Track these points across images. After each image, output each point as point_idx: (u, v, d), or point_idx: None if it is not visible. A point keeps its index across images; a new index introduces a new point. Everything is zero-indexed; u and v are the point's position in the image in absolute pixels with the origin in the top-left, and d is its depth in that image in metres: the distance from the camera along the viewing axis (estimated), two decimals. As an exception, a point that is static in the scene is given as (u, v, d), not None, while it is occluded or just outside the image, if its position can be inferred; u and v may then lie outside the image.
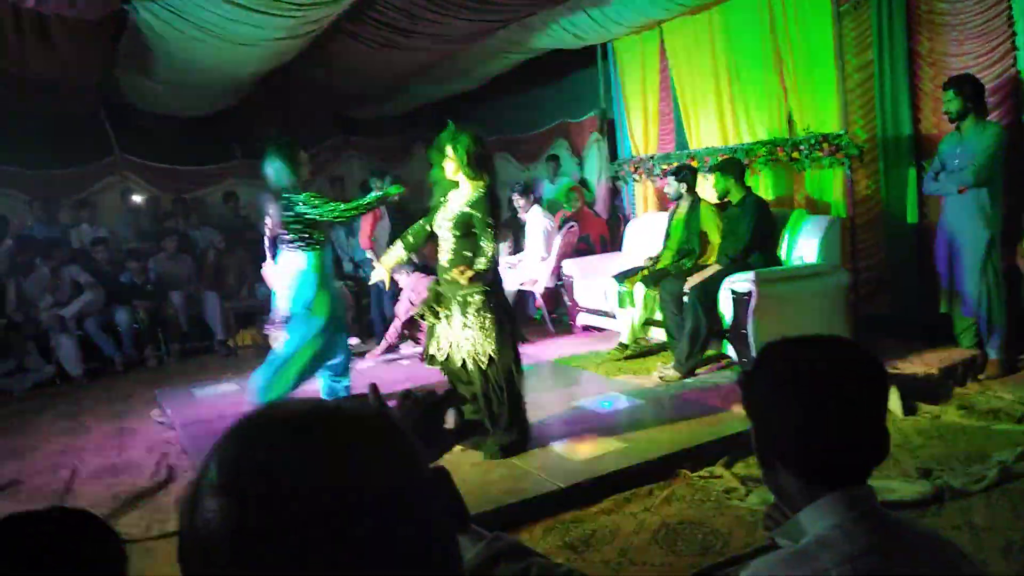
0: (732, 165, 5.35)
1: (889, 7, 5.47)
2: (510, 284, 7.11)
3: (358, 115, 10.40)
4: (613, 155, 7.95)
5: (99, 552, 1.16)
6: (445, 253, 3.92)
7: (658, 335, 5.66)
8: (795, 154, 5.51)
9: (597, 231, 7.68)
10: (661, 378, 5.04)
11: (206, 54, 6.14)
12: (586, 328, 6.76)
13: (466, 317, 3.85)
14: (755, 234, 5.10)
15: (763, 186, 5.92)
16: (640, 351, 5.73)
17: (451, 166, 3.91)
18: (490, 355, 3.82)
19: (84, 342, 7.12)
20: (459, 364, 3.93)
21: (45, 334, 7.01)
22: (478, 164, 3.87)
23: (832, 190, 5.54)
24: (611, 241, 7.62)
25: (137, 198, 9.17)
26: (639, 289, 5.60)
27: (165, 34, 5.74)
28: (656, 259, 5.91)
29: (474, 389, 3.94)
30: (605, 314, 6.33)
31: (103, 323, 7.23)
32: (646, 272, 5.72)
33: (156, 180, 9.26)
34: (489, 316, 3.83)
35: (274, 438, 0.63)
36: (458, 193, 3.94)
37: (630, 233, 6.95)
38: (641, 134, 7.33)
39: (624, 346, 5.74)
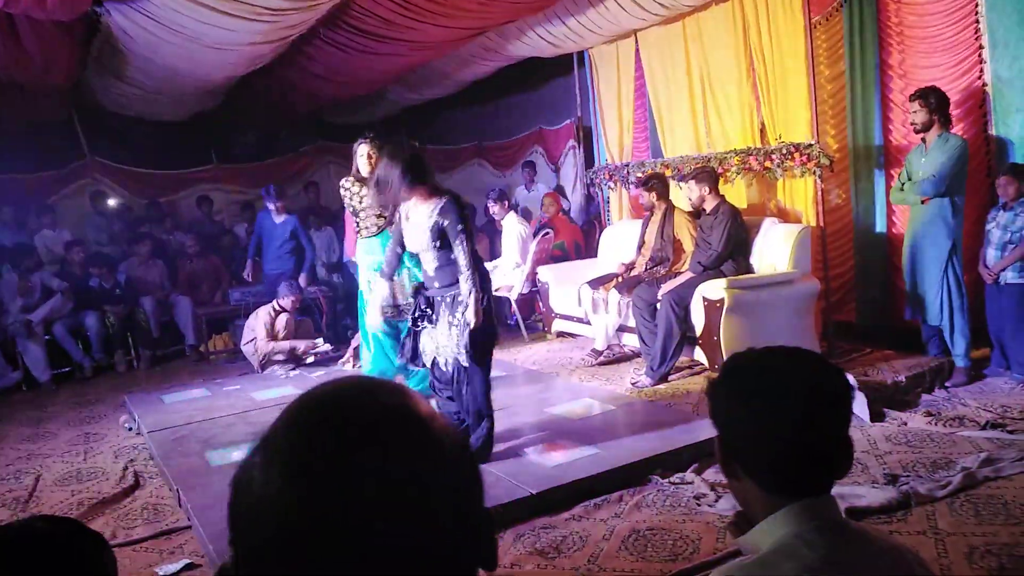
0: (706, 174, 5.39)
1: (860, 19, 5.56)
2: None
3: (335, 120, 10.36)
4: (589, 163, 7.99)
5: (93, 559, 1.17)
6: (429, 264, 3.89)
7: (631, 342, 5.68)
8: (767, 163, 5.57)
9: (572, 238, 7.71)
10: (634, 384, 5.06)
11: (179, 57, 6.09)
12: (560, 334, 6.77)
13: (453, 316, 3.83)
14: (728, 242, 5.15)
15: (736, 194, 5.98)
16: (613, 357, 5.75)
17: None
18: (471, 352, 3.78)
19: (52, 347, 7.02)
20: (443, 365, 3.92)
21: (12, 339, 6.90)
22: (429, 177, 3.90)
23: (804, 199, 5.59)
24: (586, 248, 7.65)
25: (110, 202, 9.06)
26: (613, 296, 5.62)
27: (137, 37, 5.68)
28: (630, 266, 5.94)
29: (449, 386, 3.95)
30: (579, 320, 6.35)
31: (72, 328, 7.12)
32: (620, 279, 5.75)
33: (129, 184, 9.17)
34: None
35: (350, 425, 0.63)
36: (419, 208, 3.87)
37: (605, 240, 6.98)
38: (616, 142, 7.37)
39: (598, 352, 5.75)
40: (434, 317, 3.93)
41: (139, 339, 7.40)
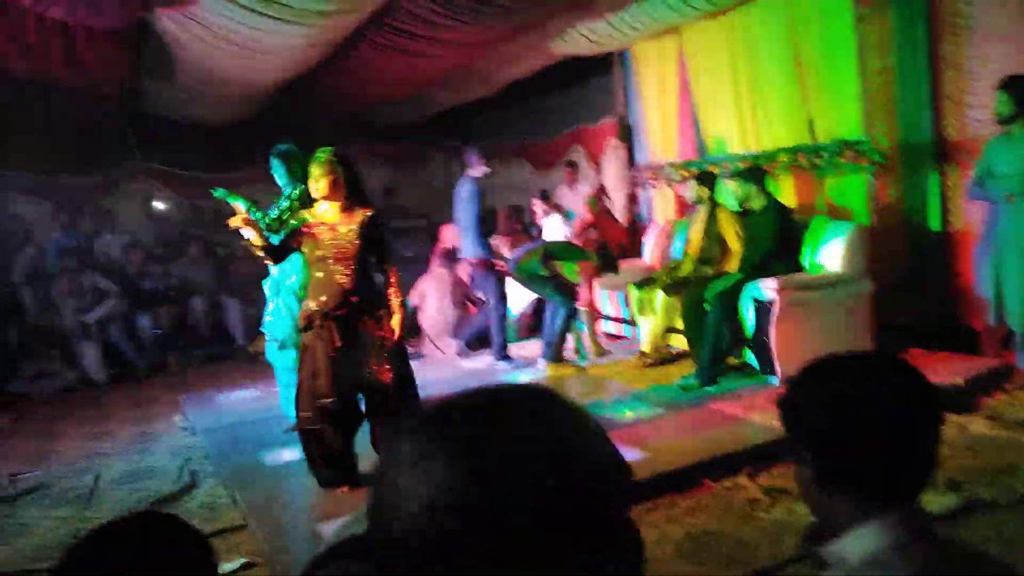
0: (753, 172, 5.32)
1: (910, 10, 5.42)
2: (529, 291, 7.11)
3: (376, 121, 10.44)
4: (631, 161, 7.94)
5: (199, 553, 1.21)
6: (344, 277, 3.75)
7: (679, 343, 5.63)
8: (816, 160, 5.48)
9: (616, 238, 7.65)
10: (682, 387, 5.01)
11: (227, 62, 6.18)
12: (606, 336, 6.74)
13: (371, 337, 3.78)
14: (777, 241, 5.07)
15: (784, 192, 5.89)
16: (661, 359, 5.70)
17: (336, 187, 3.78)
18: (398, 368, 3.83)
19: (107, 348, 7.20)
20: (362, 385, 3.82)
21: (68, 340, 7.10)
22: (362, 190, 3.91)
23: (854, 197, 5.49)
24: (630, 248, 7.59)
25: (159, 205, 9.25)
26: (660, 297, 5.58)
27: (188, 43, 5.79)
28: (675, 266, 5.88)
29: (384, 410, 3.85)
30: (625, 322, 6.31)
31: (126, 329, 7.30)
32: (666, 279, 5.70)
33: (178, 187, 9.34)
34: (390, 331, 3.84)
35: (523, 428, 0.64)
36: (340, 216, 3.80)
37: (649, 240, 6.93)
38: (659, 140, 7.31)
39: (645, 354, 5.71)
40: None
41: (191, 340, 7.54)
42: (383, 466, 0.66)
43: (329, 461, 3.76)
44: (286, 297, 4.63)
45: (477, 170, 6.02)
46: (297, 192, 4.56)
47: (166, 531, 1.20)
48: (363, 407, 3.88)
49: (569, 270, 5.89)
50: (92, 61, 6.11)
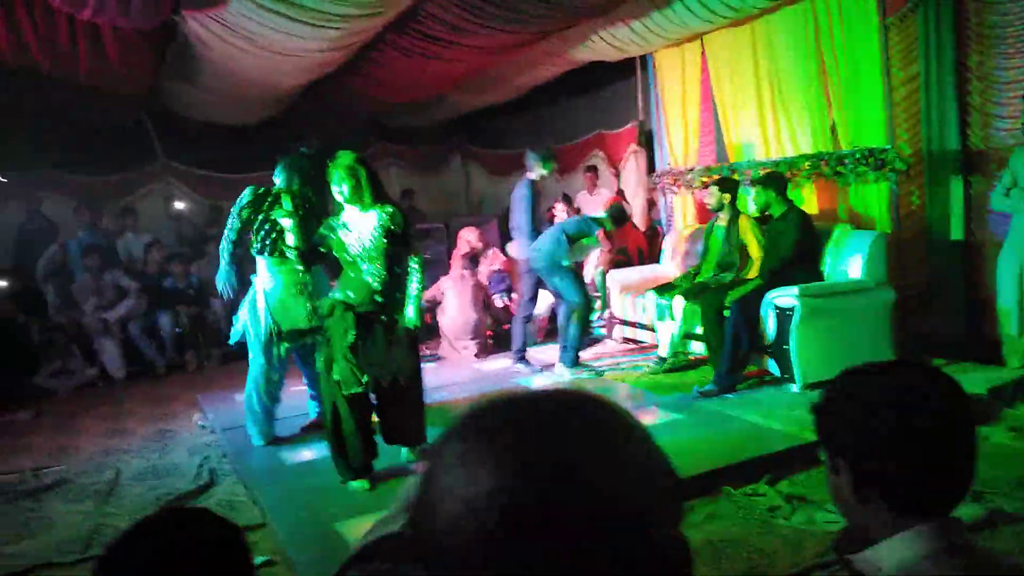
0: (773, 179, 5.30)
1: (937, 19, 5.39)
2: (547, 295, 7.11)
3: (396, 123, 10.49)
4: (651, 167, 7.93)
5: (236, 547, 1.24)
6: (372, 276, 3.87)
7: (698, 349, 5.61)
8: (839, 168, 5.45)
9: (635, 243, 7.66)
10: (701, 393, 4.99)
11: (251, 64, 6.23)
12: (625, 340, 6.73)
13: (393, 333, 3.91)
14: (797, 248, 5.05)
15: (806, 199, 5.87)
16: (679, 365, 5.68)
17: (357, 192, 3.87)
18: (414, 366, 4.01)
19: (126, 345, 7.26)
20: (385, 383, 3.92)
21: (89, 337, 7.16)
22: (383, 190, 4.02)
23: (877, 205, 5.46)
24: (649, 253, 7.58)
25: (179, 204, 9.32)
26: (679, 302, 5.56)
27: (212, 44, 5.84)
28: (695, 272, 5.87)
29: (396, 403, 4.00)
30: (644, 327, 6.30)
31: (146, 327, 7.36)
32: (686, 285, 5.68)
33: (200, 187, 9.41)
34: (412, 331, 3.99)
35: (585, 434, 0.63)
36: (362, 217, 3.90)
37: (668, 245, 6.91)
38: (681, 146, 7.30)
39: (663, 360, 5.70)
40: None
41: (209, 339, 7.59)
42: (429, 463, 0.66)
43: (348, 450, 3.82)
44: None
45: (534, 172, 6.03)
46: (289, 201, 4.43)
47: (204, 526, 1.21)
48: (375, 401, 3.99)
49: (591, 242, 5.90)
50: (119, 62, 6.18)
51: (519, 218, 5.99)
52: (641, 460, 0.65)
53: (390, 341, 3.90)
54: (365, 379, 3.81)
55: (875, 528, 1.11)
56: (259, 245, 4.59)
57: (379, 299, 3.86)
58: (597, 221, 5.91)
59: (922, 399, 1.10)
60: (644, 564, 0.60)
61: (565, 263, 5.72)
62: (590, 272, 7.18)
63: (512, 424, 0.64)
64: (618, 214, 6.00)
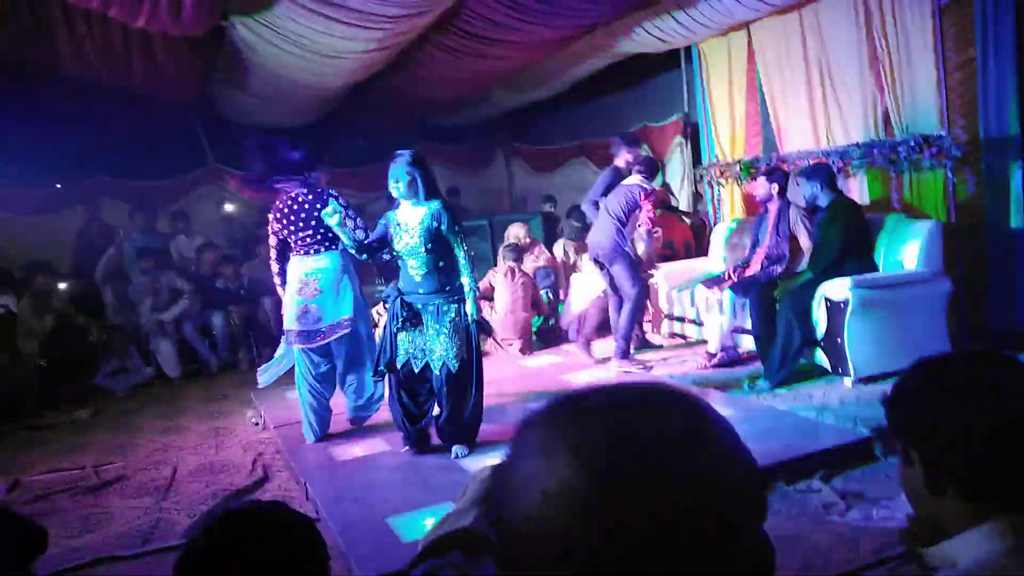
0: (818, 169, 5.18)
1: (995, 2, 5.22)
2: (593, 290, 7.08)
3: (440, 122, 10.55)
4: (696, 159, 7.84)
5: (315, 536, 1.28)
6: (416, 270, 4.11)
7: (747, 344, 5.53)
8: (893, 156, 5.32)
9: (681, 236, 7.57)
10: (751, 388, 4.92)
11: (298, 67, 6.33)
12: (672, 335, 6.66)
13: (440, 324, 4.09)
14: (846, 240, 4.92)
15: (858, 189, 5.74)
16: (728, 360, 5.61)
17: (413, 186, 4.07)
18: (463, 358, 4.10)
19: (181, 345, 7.44)
20: (422, 367, 4.14)
21: (145, 337, 7.36)
22: (437, 187, 4.21)
23: (932, 193, 5.32)
24: (696, 247, 7.50)
25: (229, 207, 9.51)
26: (727, 296, 5.49)
27: (260, 48, 5.94)
28: (744, 265, 5.78)
29: (432, 393, 4.21)
30: (692, 321, 6.23)
31: (199, 327, 7.53)
32: (735, 279, 5.60)
33: (249, 189, 9.57)
34: (462, 323, 4.12)
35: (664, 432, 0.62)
36: (412, 212, 4.10)
37: (716, 238, 6.82)
38: (728, 137, 7.20)
39: (711, 355, 5.62)
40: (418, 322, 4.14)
41: (260, 338, 7.73)
42: (514, 447, 0.66)
43: (404, 423, 4.25)
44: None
45: (621, 160, 6.01)
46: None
47: (281, 517, 1.25)
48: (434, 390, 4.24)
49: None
50: (170, 69, 6.34)
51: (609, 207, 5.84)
52: (725, 458, 0.63)
53: (445, 330, 4.08)
54: (400, 359, 4.14)
55: (949, 522, 1.08)
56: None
57: (421, 290, 4.10)
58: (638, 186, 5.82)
59: (999, 388, 1.06)
60: (727, 565, 0.59)
61: (626, 248, 5.69)
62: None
63: (594, 416, 0.64)
64: (648, 162, 5.93)
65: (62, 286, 7.33)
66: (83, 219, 8.52)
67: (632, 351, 5.94)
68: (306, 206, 4.58)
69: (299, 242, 4.62)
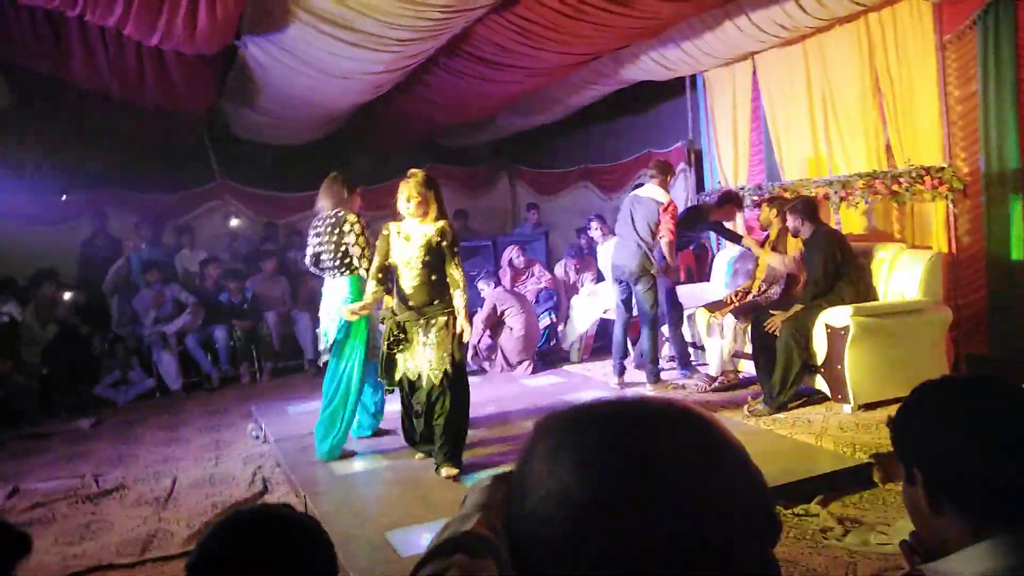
0: (800, 203, 5.18)
1: (996, 37, 5.30)
2: (593, 312, 7.12)
3: (446, 144, 10.64)
4: (700, 186, 7.91)
5: (324, 540, 1.32)
6: (410, 281, 4.20)
7: (747, 368, 5.56)
8: (895, 187, 5.38)
9: (684, 261, 7.61)
10: (751, 412, 4.94)
11: (307, 87, 6.41)
12: (671, 358, 6.68)
13: (427, 336, 4.18)
14: (827, 267, 4.95)
15: (859, 219, 5.80)
16: (728, 384, 5.63)
17: (423, 206, 4.16)
18: (446, 370, 4.15)
19: (183, 358, 7.46)
20: (416, 379, 4.26)
21: (148, 349, 7.39)
22: (442, 207, 4.29)
23: (934, 224, 5.37)
24: (698, 272, 7.54)
25: (235, 222, 9.57)
26: (729, 320, 5.52)
27: (270, 68, 6.03)
28: (745, 291, 5.83)
29: (421, 404, 4.25)
30: (692, 345, 6.26)
31: (202, 340, 7.56)
32: (736, 303, 5.64)
33: (255, 205, 9.65)
34: (449, 335, 4.18)
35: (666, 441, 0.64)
36: (417, 228, 4.20)
37: (718, 264, 6.87)
38: (731, 164, 7.27)
39: (712, 378, 5.65)
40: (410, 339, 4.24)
41: (262, 352, 7.76)
42: (526, 451, 0.68)
43: (405, 424, 4.45)
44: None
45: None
46: None
47: (294, 521, 1.27)
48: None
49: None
50: (182, 86, 6.42)
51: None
52: (732, 478, 0.64)
53: (436, 343, 4.17)
54: (397, 378, 4.29)
55: (950, 540, 1.11)
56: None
57: (412, 302, 4.19)
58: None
59: (997, 410, 1.11)
60: (735, 544, 0.60)
61: (653, 270, 5.73)
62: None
63: (605, 426, 0.66)
64: (660, 165, 5.97)
65: (67, 296, 7.37)
66: (89, 230, 8.57)
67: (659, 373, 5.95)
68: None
69: None
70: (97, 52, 5.63)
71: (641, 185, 6.35)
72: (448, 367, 4.17)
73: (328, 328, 4.63)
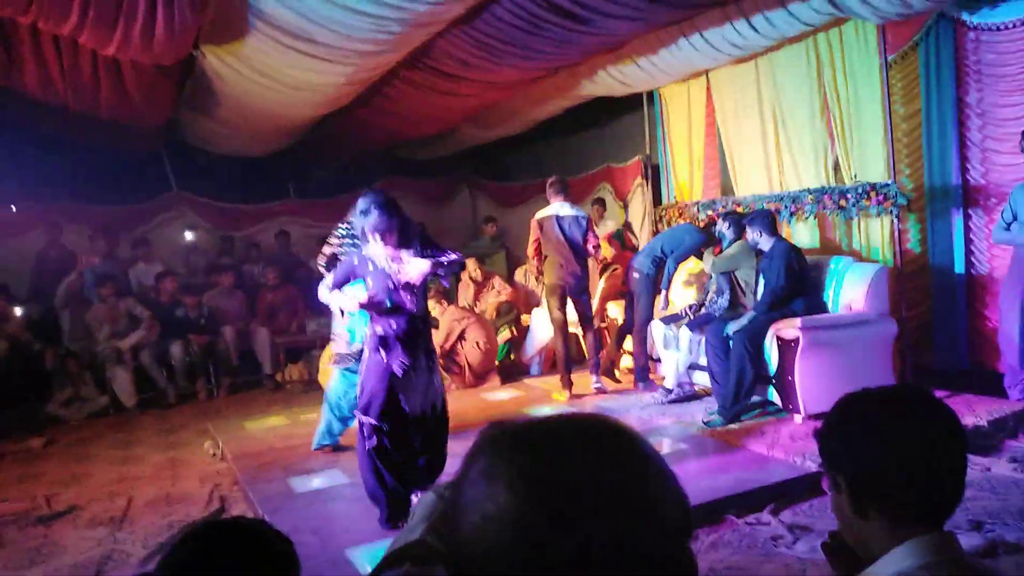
0: (759, 216, 5.34)
1: (937, 57, 5.51)
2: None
3: (406, 156, 10.66)
4: (657, 200, 8.04)
5: (293, 556, 1.34)
6: (401, 305, 3.95)
7: (702, 380, 5.67)
8: (842, 202, 5.55)
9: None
10: (705, 423, 5.03)
11: (266, 98, 6.39)
12: (630, 371, 6.77)
13: (431, 362, 3.93)
14: (787, 279, 5.08)
15: (809, 233, 5.96)
16: (683, 395, 5.74)
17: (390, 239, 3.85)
18: (443, 397, 3.99)
19: (138, 373, 7.34)
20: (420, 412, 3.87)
21: (101, 365, 7.25)
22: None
23: (879, 238, 5.55)
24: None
25: (190, 235, 9.44)
26: (684, 333, 5.63)
27: (229, 78, 6.00)
28: (700, 303, 5.94)
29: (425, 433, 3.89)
30: (649, 357, 6.35)
31: (157, 355, 7.44)
32: (691, 316, 5.75)
33: (212, 217, 9.55)
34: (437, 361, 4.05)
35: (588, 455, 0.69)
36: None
37: (675, 277, 6.96)
38: (686, 179, 7.41)
39: (667, 390, 5.75)
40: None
41: (220, 368, 7.67)
42: (460, 472, 0.73)
43: (389, 487, 3.75)
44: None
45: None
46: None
47: (263, 535, 1.30)
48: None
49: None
50: (138, 96, 6.35)
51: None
52: (654, 488, 0.70)
53: (430, 366, 3.94)
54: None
55: (874, 543, 1.19)
56: None
57: (409, 329, 3.83)
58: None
59: (912, 418, 1.20)
60: (662, 552, 0.67)
61: (653, 274, 6.08)
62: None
63: (531, 446, 0.70)
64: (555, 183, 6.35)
65: (18, 311, 7.21)
66: (42, 242, 8.39)
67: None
68: None
69: None
70: (50, 62, 5.55)
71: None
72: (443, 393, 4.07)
73: (354, 327, 4.63)
